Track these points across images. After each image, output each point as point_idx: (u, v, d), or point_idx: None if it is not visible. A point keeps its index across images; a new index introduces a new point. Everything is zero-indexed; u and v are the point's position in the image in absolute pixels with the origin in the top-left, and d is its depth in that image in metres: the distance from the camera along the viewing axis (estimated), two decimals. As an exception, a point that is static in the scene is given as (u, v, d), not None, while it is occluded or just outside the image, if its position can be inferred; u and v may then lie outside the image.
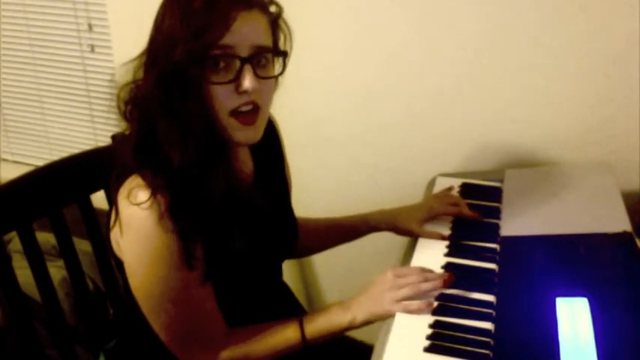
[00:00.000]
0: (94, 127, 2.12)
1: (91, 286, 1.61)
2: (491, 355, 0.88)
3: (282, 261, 1.24)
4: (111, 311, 1.33)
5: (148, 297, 0.98)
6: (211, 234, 0.96)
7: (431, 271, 1.05)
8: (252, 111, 0.96)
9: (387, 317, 0.99)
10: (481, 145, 1.53)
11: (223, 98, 0.93)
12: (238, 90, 0.93)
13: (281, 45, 1.02)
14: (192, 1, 0.91)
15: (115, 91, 0.97)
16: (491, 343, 0.90)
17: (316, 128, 1.69)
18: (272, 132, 1.19)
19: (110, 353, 1.25)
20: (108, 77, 1.98)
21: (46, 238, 1.51)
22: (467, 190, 1.36)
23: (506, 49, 1.43)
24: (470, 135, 1.54)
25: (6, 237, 1.12)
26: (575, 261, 1.07)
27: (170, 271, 0.94)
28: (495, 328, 0.93)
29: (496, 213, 1.25)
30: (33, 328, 1.14)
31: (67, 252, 1.21)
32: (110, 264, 1.27)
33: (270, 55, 0.97)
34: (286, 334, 1.03)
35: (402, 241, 1.26)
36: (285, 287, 1.30)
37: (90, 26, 1.99)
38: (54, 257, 1.59)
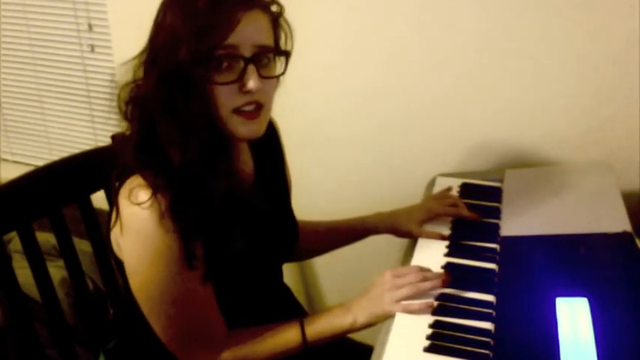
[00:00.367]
0: (94, 127, 2.12)
1: (91, 286, 1.61)
2: (491, 355, 0.88)
3: (283, 262, 1.24)
4: (111, 311, 1.33)
5: (148, 297, 0.98)
6: (212, 234, 0.96)
7: (429, 271, 1.05)
8: (255, 109, 0.96)
9: (387, 318, 0.99)
10: (481, 145, 1.53)
11: (226, 98, 0.93)
12: (242, 90, 0.93)
13: (282, 44, 1.02)
14: (195, 1, 0.91)
15: (115, 91, 0.97)
16: (491, 343, 0.90)
17: (316, 128, 1.69)
18: (272, 133, 1.19)
19: (110, 353, 1.25)
20: (108, 77, 1.98)
21: (46, 238, 1.51)
22: (467, 190, 1.36)
23: (507, 50, 1.43)
24: (470, 135, 1.54)
25: (6, 237, 1.12)
26: (575, 261, 1.07)
27: (171, 271, 0.94)
28: (495, 328, 0.93)
29: (496, 213, 1.25)
30: (33, 328, 1.14)
31: (67, 252, 1.21)
32: (110, 264, 1.27)
33: (272, 54, 0.98)
34: (287, 336, 1.02)
35: (402, 241, 1.26)
36: (285, 289, 1.30)
37: (90, 26, 1.99)
38: (54, 257, 1.59)
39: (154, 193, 0.91)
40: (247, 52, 0.93)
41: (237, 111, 0.95)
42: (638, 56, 1.33)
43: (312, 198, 1.36)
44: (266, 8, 0.97)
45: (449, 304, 0.99)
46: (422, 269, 1.04)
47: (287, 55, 1.01)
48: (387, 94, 1.59)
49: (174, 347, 1.01)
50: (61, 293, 1.57)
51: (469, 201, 1.28)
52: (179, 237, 0.92)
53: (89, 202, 1.25)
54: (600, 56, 1.37)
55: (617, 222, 1.15)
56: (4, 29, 2.14)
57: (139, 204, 0.90)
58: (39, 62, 2.13)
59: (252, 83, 0.92)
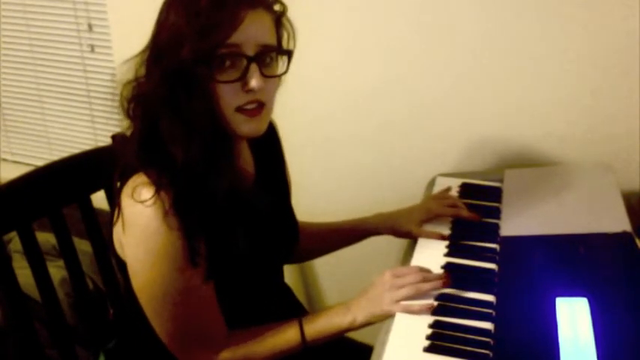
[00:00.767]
0: (94, 127, 2.12)
1: (91, 286, 1.61)
2: (491, 355, 0.88)
3: (284, 262, 1.24)
4: (111, 311, 1.33)
5: (150, 295, 0.98)
6: (214, 232, 0.96)
7: (429, 271, 1.05)
8: (257, 108, 0.96)
9: (387, 318, 0.99)
10: (481, 145, 1.53)
11: (229, 96, 0.93)
12: (245, 88, 0.93)
13: (284, 43, 1.02)
14: (198, 0, 0.91)
15: (117, 90, 0.97)
16: (491, 343, 0.90)
17: (316, 128, 1.69)
18: (272, 133, 1.19)
19: (110, 353, 1.25)
20: (108, 77, 1.98)
21: (46, 238, 1.51)
22: (466, 190, 1.36)
23: (507, 50, 1.43)
24: (470, 135, 1.54)
25: (6, 237, 1.12)
26: (575, 261, 1.07)
27: (173, 269, 0.94)
28: (495, 328, 0.93)
29: (496, 213, 1.25)
30: (33, 328, 1.14)
31: (67, 252, 1.21)
32: (110, 264, 1.27)
33: (274, 53, 0.98)
34: (286, 335, 1.03)
35: (402, 241, 1.26)
36: (286, 288, 1.30)
37: (90, 26, 1.99)
38: (54, 257, 1.59)
39: (158, 191, 0.91)
40: (250, 51, 0.93)
41: (239, 109, 0.95)
42: (638, 56, 1.33)
43: (312, 198, 1.36)
44: (269, 7, 0.97)
45: (449, 304, 0.99)
46: (422, 270, 1.05)
47: (289, 54, 1.01)
48: (387, 94, 1.59)
49: (174, 345, 1.01)
50: (61, 293, 1.57)
51: (469, 201, 1.28)
52: (183, 234, 0.92)
53: (89, 202, 1.25)
54: (600, 56, 1.37)
55: (617, 222, 1.15)
56: (4, 29, 2.14)
57: (142, 202, 0.90)
58: (39, 62, 2.13)
59: (254, 82, 0.92)
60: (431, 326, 0.95)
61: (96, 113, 2.09)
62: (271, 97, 0.99)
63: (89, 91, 2.08)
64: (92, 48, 2.01)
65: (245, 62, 0.92)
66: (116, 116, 0.99)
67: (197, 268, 0.95)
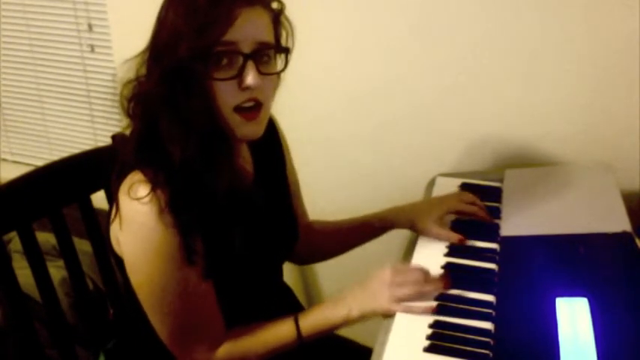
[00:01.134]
0: (94, 127, 2.12)
1: (91, 286, 1.61)
2: (491, 355, 0.88)
3: (283, 261, 1.24)
4: (111, 311, 1.33)
5: (148, 292, 0.98)
6: (212, 230, 0.96)
7: (429, 272, 1.05)
8: (255, 107, 0.96)
9: (383, 314, 0.99)
10: (481, 144, 1.53)
11: (226, 94, 0.93)
12: (241, 86, 0.93)
13: (283, 41, 1.02)
14: None
15: (117, 89, 0.97)
16: (491, 343, 0.90)
17: (316, 128, 1.69)
18: (273, 131, 1.19)
19: (110, 353, 1.25)
20: (108, 77, 1.98)
21: (46, 238, 1.51)
22: (466, 190, 1.36)
23: (507, 50, 1.43)
24: (470, 135, 1.54)
25: (6, 237, 1.12)
26: (575, 261, 1.07)
27: (170, 266, 0.94)
28: (495, 328, 0.93)
29: (496, 213, 1.25)
30: (33, 328, 1.14)
31: (67, 252, 1.21)
32: (110, 264, 1.27)
33: (272, 51, 0.98)
34: (282, 331, 1.02)
35: (402, 240, 1.26)
36: (286, 288, 1.30)
37: (90, 26, 1.99)
38: (54, 257, 1.58)
39: (154, 189, 0.91)
40: (247, 49, 0.93)
41: (237, 109, 0.95)
42: (638, 56, 1.33)
43: (312, 197, 1.36)
44: (267, 5, 0.97)
45: (449, 304, 0.99)
46: (423, 269, 1.04)
47: (287, 52, 1.01)
48: (386, 93, 1.59)
49: (172, 343, 1.01)
50: (61, 293, 1.57)
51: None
52: (178, 232, 0.92)
53: (89, 202, 1.25)
54: (600, 56, 1.37)
55: (617, 222, 1.15)
56: (4, 29, 2.14)
57: (138, 199, 0.91)
58: (39, 62, 2.13)
59: (250, 79, 0.92)
60: (431, 326, 0.95)
61: (96, 113, 2.09)
62: (269, 96, 0.99)
63: (89, 91, 2.08)
64: (92, 48, 2.01)
65: (241, 60, 0.93)
66: (116, 116, 0.99)
67: (194, 266, 0.95)
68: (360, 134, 1.65)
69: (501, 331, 0.93)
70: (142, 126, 0.96)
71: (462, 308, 0.98)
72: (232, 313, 1.05)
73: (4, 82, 2.23)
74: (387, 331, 0.95)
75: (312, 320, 1.02)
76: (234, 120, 0.95)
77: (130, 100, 0.96)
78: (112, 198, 0.98)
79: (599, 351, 0.85)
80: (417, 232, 1.21)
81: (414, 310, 0.98)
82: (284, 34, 1.02)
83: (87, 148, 1.33)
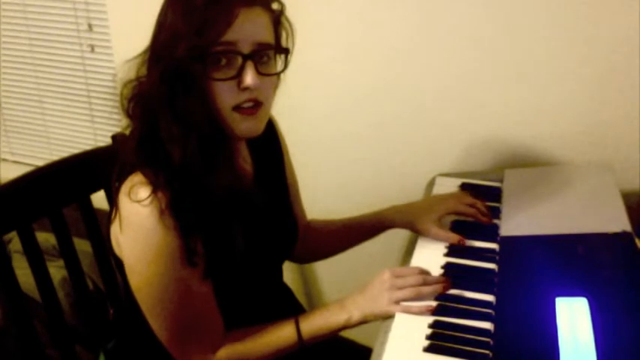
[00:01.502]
0: (94, 127, 2.12)
1: (91, 286, 1.61)
2: (490, 355, 0.88)
3: (283, 261, 1.24)
4: (111, 311, 1.33)
5: (147, 295, 0.98)
6: (212, 231, 0.96)
7: (428, 273, 1.05)
8: (254, 107, 0.96)
9: (384, 317, 0.99)
10: (481, 145, 1.53)
11: (225, 95, 0.93)
12: (240, 86, 0.93)
13: (283, 42, 1.02)
14: None
15: (117, 89, 0.97)
16: (491, 343, 0.90)
17: (315, 128, 1.69)
18: (272, 131, 1.19)
19: (110, 353, 1.25)
20: (108, 77, 1.98)
21: (46, 238, 1.51)
22: (466, 190, 1.36)
23: (507, 49, 1.43)
24: (470, 135, 1.54)
25: (6, 237, 1.12)
26: (575, 261, 1.07)
27: (170, 268, 0.94)
28: (495, 328, 0.93)
29: (496, 213, 1.25)
30: (33, 328, 1.14)
31: (67, 252, 1.21)
32: (110, 264, 1.27)
33: (272, 52, 0.98)
34: (282, 334, 1.02)
35: (402, 241, 1.26)
36: (286, 288, 1.30)
37: (90, 26, 1.99)
38: (54, 257, 1.59)
39: (154, 191, 0.91)
40: (246, 49, 0.93)
41: (236, 108, 0.95)
42: (638, 56, 1.33)
43: (312, 197, 1.36)
44: (266, 5, 0.97)
45: (448, 304, 0.99)
46: (422, 271, 1.04)
47: (287, 52, 1.01)
48: (386, 93, 1.59)
49: (171, 344, 1.01)
50: (61, 293, 1.57)
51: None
52: (179, 234, 0.92)
53: (89, 202, 1.25)
54: (600, 56, 1.37)
55: (617, 222, 1.15)
56: (4, 29, 2.14)
57: (139, 201, 0.91)
58: (39, 62, 2.13)
59: (249, 79, 0.92)
60: (431, 326, 0.95)
61: (96, 113, 2.09)
62: (269, 96, 0.99)
63: (89, 91, 2.08)
64: (92, 48, 2.01)
65: (240, 60, 0.93)
66: (116, 116, 0.99)
67: (195, 267, 0.95)
68: (360, 134, 1.65)
69: (501, 331, 0.93)
70: (142, 126, 0.96)
71: (461, 308, 0.98)
72: (232, 314, 1.05)
73: (4, 82, 2.23)
74: (387, 331, 0.95)
75: (313, 324, 1.02)
76: (233, 118, 0.95)
77: (130, 101, 0.97)
78: (112, 199, 0.98)
79: (599, 351, 0.85)
80: (416, 232, 1.21)
81: (413, 310, 0.98)
82: (284, 34, 1.02)
83: (87, 148, 1.33)
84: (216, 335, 1.02)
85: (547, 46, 1.40)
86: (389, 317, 0.98)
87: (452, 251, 1.14)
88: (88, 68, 2.04)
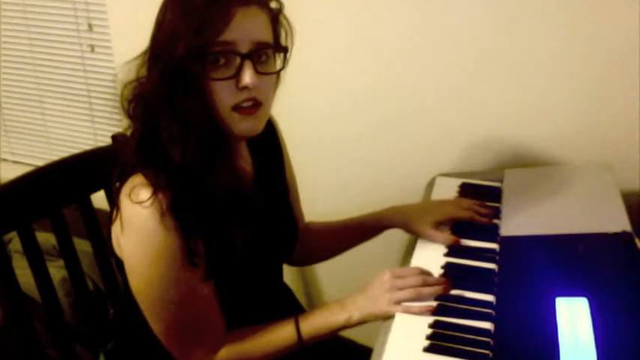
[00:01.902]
0: (94, 127, 2.12)
1: (91, 286, 1.61)
2: (490, 355, 0.88)
3: (283, 262, 1.24)
4: (111, 311, 1.33)
5: (148, 296, 0.98)
6: (212, 232, 0.96)
7: (429, 274, 1.05)
8: (253, 107, 0.96)
9: (383, 317, 0.99)
10: (481, 145, 1.53)
11: (224, 94, 0.94)
12: (238, 86, 0.93)
13: (282, 41, 1.02)
14: None
15: (117, 90, 0.97)
16: (491, 343, 0.90)
17: (315, 127, 1.69)
18: (271, 131, 1.19)
19: (110, 353, 1.25)
20: (108, 77, 1.98)
21: (46, 238, 1.51)
22: (466, 190, 1.36)
23: (507, 50, 1.43)
24: (470, 135, 1.54)
25: (6, 237, 1.12)
26: (575, 261, 1.07)
27: (171, 270, 0.94)
28: (495, 328, 0.93)
29: (496, 213, 1.25)
30: (33, 328, 1.14)
31: (67, 252, 1.21)
32: (110, 264, 1.27)
33: (270, 51, 0.98)
34: (282, 334, 1.03)
35: (402, 241, 1.26)
36: (286, 288, 1.30)
37: (90, 26, 1.99)
38: (54, 257, 1.59)
39: (155, 192, 0.91)
40: (244, 49, 0.93)
41: (235, 108, 0.95)
42: (638, 56, 1.33)
43: (311, 197, 1.36)
44: (264, 4, 0.97)
45: (449, 304, 0.99)
46: (422, 272, 1.04)
47: (286, 51, 1.00)
48: (386, 93, 1.59)
49: (172, 345, 1.01)
50: (61, 293, 1.57)
51: (469, 201, 1.28)
52: (180, 235, 0.92)
53: (89, 202, 1.25)
54: (600, 56, 1.37)
55: (617, 222, 1.15)
56: (4, 29, 2.14)
57: (139, 202, 0.91)
58: (39, 62, 2.13)
59: (247, 78, 0.92)
60: (431, 326, 0.95)
61: (96, 113, 2.09)
62: (268, 95, 0.99)
63: (89, 91, 2.07)
64: (92, 48, 2.01)
65: (239, 60, 0.93)
66: (116, 116, 0.99)
67: (195, 268, 0.95)
68: (360, 134, 1.65)
69: (501, 331, 0.93)
70: (142, 127, 0.96)
71: (461, 308, 0.98)
72: (233, 314, 1.04)
73: (4, 82, 2.23)
74: (387, 331, 0.95)
75: (313, 324, 1.02)
76: (233, 118, 0.95)
77: (130, 101, 0.97)
78: (113, 199, 0.98)
79: (599, 351, 0.85)
80: (412, 233, 1.21)
81: (413, 310, 0.98)
82: (283, 33, 1.02)
83: (87, 148, 1.33)
84: (217, 336, 1.02)
85: (547, 46, 1.40)
86: (389, 317, 0.98)
87: (452, 251, 1.14)
88: (88, 68, 2.04)
